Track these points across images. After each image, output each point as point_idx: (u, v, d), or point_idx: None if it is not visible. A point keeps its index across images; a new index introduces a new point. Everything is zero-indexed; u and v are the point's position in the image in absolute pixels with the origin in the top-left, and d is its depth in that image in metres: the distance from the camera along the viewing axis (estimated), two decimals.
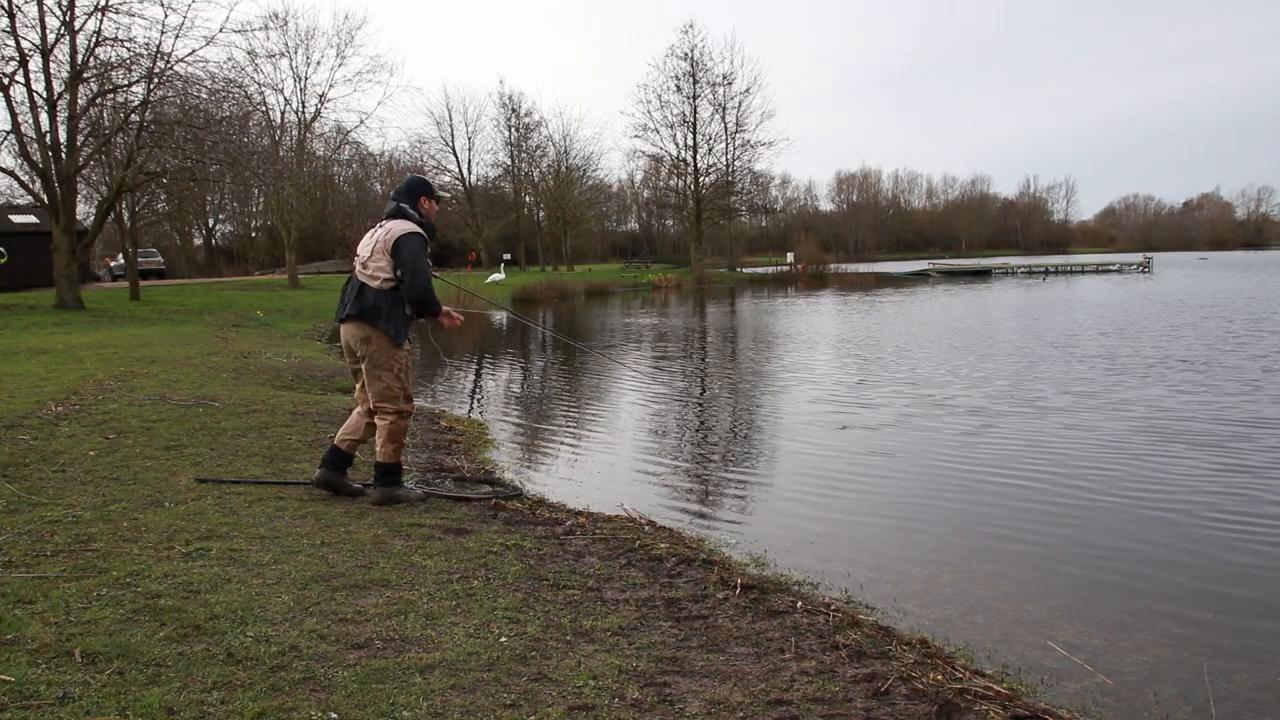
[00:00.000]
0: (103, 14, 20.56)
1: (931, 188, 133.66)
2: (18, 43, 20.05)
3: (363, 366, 5.14)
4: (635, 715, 2.72)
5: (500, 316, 26.20)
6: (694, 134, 59.97)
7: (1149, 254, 69.28)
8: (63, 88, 20.96)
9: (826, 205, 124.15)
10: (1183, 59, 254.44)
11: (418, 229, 5.05)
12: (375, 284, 5.02)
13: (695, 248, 61.29)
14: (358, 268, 5.12)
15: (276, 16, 36.79)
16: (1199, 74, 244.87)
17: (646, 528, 5.05)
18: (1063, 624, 3.99)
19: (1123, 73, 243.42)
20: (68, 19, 20.53)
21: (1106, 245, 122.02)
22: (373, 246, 5.05)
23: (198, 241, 62.70)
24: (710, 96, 59.44)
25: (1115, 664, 3.59)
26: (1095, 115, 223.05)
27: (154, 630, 3.13)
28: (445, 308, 5.23)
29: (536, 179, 67.36)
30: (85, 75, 21.25)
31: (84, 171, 24.04)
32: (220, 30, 29.93)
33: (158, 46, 21.25)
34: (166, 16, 21.18)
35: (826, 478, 6.80)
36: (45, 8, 20.41)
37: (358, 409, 5.36)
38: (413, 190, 5.26)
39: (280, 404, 8.78)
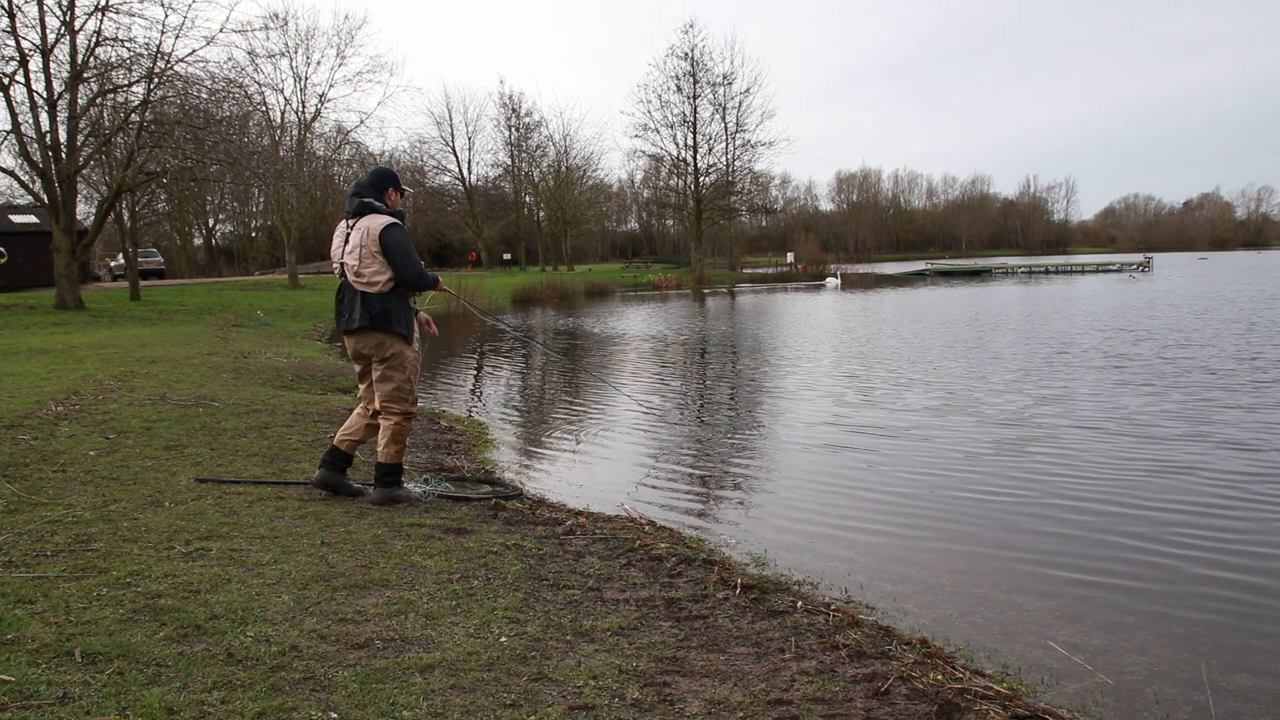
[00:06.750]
0: (103, 14, 20.62)
1: (931, 187, 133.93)
2: (18, 43, 20.09)
3: (375, 369, 5.15)
4: (635, 715, 2.72)
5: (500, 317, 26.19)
6: (694, 134, 59.97)
7: (1149, 254, 69.27)
8: (63, 88, 20.99)
9: (826, 205, 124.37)
10: (1183, 58, 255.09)
11: (393, 218, 5.05)
12: (375, 289, 5.00)
13: (695, 247, 61.30)
14: (350, 277, 5.05)
15: (276, 16, 36.86)
16: (1199, 73, 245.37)
17: (646, 528, 5.05)
18: (1063, 624, 3.99)
19: (1123, 73, 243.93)
20: (68, 19, 20.57)
21: (1107, 245, 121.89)
22: (359, 253, 4.99)
23: (198, 241, 62.69)
24: (710, 96, 59.47)
25: (1115, 664, 3.58)
26: (1095, 115, 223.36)
27: (154, 630, 3.13)
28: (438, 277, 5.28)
29: (536, 179, 67.39)
30: (85, 75, 21.28)
31: (84, 171, 24.08)
32: (220, 30, 30.05)
33: (158, 46, 21.32)
34: (166, 16, 21.28)
35: (826, 478, 6.79)
36: (45, 8, 20.46)
37: (358, 409, 5.37)
38: (378, 183, 5.20)
39: (280, 404, 8.78)
